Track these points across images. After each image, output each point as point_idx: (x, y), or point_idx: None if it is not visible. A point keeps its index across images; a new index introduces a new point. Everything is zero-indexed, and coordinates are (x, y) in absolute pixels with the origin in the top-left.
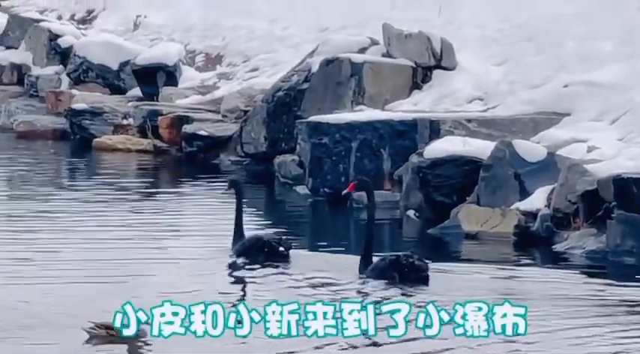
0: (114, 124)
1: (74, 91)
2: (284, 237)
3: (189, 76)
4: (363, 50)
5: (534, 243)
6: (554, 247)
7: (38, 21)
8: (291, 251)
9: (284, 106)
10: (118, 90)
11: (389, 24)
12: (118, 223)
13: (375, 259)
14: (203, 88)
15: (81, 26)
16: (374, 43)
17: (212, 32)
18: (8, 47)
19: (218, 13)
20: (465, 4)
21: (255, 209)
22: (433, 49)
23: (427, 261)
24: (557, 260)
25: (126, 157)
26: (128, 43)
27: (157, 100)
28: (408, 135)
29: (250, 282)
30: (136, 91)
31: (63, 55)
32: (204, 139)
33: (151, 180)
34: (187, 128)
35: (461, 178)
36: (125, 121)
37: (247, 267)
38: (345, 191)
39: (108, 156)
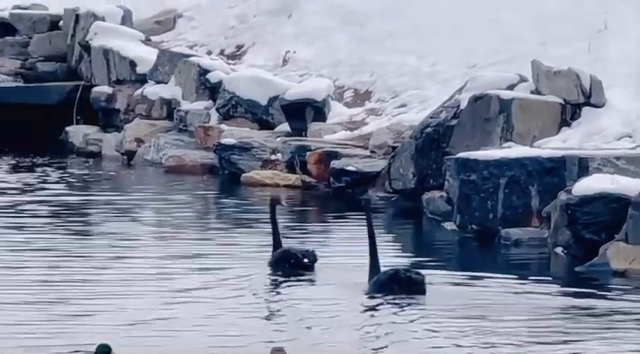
0: (262, 159)
1: (223, 126)
2: (310, 249)
3: (337, 112)
4: (511, 87)
5: None
6: None
7: (188, 56)
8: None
9: (432, 142)
10: (266, 125)
11: (538, 61)
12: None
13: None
14: (351, 124)
15: (230, 61)
16: (523, 79)
17: (361, 68)
18: (158, 82)
19: (367, 48)
20: (614, 41)
21: (402, 244)
22: (582, 86)
23: (423, 274)
24: None
25: (274, 192)
26: (277, 79)
27: (306, 136)
28: (556, 172)
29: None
30: (285, 127)
31: (212, 90)
32: (353, 175)
33: (299, 216)
34: (335, 164)
35: (609, 216)
36: (273, 156)
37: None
38: None
39: (256, 191)
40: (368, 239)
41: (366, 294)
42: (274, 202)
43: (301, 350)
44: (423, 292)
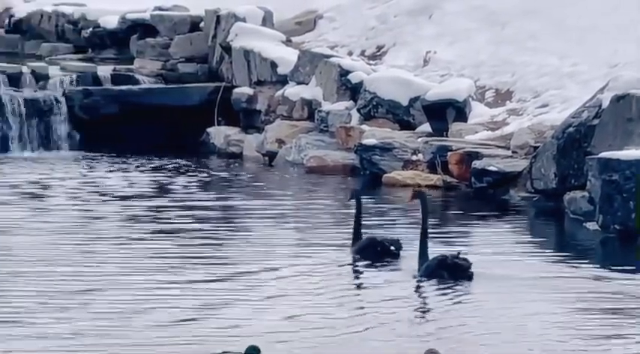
0: (403, 160)
1: (364, 127)
2: (397, 238)
3: (478, 112)
4: None
5: None
6: None
7: (329, 56)
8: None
9: (574, 142)
10: (407, 125)
11: None
12: None
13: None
14: (492, 124)
15: (371, 62)
16: None
17: (502, 68)
18: (299, 83)
19: (508, 49)
20: None
21: (544, 244)
22: None
23: (469, 261)
24: None
25: None
26: (418, 79)
27: (447, 136)
28: None
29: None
30: (426, 127)
31: (353, 91)
32: (494, 175)
33: (440, 216)
34: (477, 164)
35: None
36: (415, 157)
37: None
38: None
39: (397, 191)
40: (420, 228)
41: (417, 279)
42: (357, 193)
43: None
44: (469, 277)
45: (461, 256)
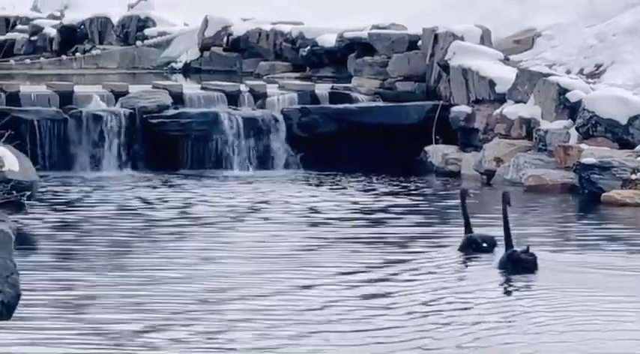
0: (622, 179)
1: (583, 146)
2: (490, 235)
3: None
4: None
5: None
6: None
7: (547, 75)
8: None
9: None
10: (626, 144)
11: None
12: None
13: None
14: None
15: (589, 80)
16: None
17: None
18: (517, 101)
19: None
20: None
21: None
22: None
23: (534, 255)
24: None
25: (634, 212)
26: (637, 98)
27: None
28: None
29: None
30: None
31: (571, 110)
32: None
33: None
34: None
35: None
36: (634, 176)
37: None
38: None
39: (616, 211)
40: (503, 227)
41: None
42: (464, 193)
43: None
44: (531, 270)
45: (529, 251)
